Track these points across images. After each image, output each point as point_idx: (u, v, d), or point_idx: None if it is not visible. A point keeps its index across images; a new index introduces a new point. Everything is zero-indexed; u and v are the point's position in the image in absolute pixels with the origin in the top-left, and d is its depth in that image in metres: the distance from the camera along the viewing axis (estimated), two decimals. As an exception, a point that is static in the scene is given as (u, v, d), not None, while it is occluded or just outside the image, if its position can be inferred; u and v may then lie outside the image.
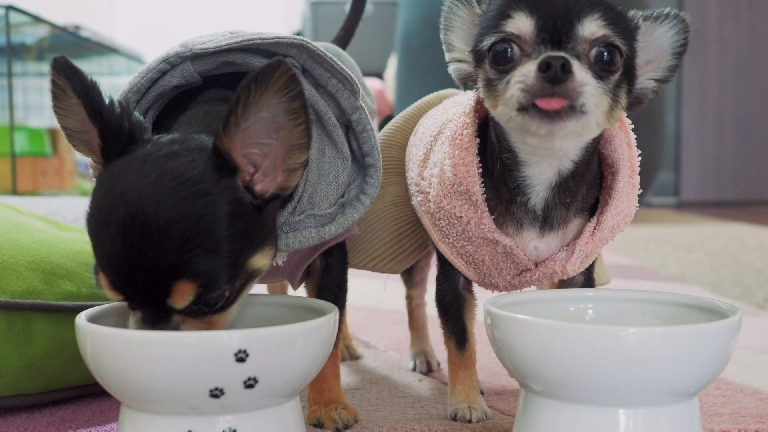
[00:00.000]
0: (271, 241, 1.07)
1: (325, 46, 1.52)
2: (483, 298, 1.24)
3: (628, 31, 1.13)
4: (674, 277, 2.97)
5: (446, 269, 1.37)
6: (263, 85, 0.95)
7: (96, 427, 1.29)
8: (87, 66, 5.31)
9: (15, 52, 4.40)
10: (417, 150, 1.37)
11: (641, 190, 1.28)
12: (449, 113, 1.35)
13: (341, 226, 1.23)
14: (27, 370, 1.37)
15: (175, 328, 0.99)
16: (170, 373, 0.94)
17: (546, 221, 1.24)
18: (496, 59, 1.11)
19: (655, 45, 1.18)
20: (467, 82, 1.26)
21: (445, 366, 1.48)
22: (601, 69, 1.09)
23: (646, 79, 1.19)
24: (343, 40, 1.83)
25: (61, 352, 1.39)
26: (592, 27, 1.08)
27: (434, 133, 1.35)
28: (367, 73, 7.36)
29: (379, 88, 7.75)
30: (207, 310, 1.00)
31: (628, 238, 4.21)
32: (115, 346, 0.96)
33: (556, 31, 1.07)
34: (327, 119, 1.22)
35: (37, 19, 4.16)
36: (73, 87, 0.99)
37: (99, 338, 0.97)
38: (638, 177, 1.26)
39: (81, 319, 1.02)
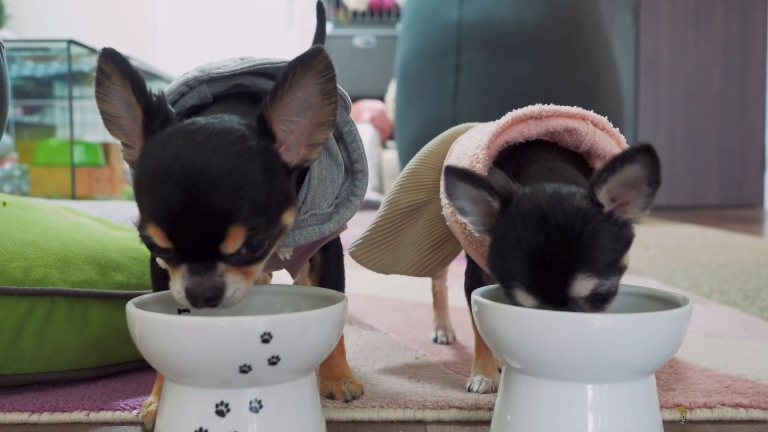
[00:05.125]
0: (295, 205, 1.06)
1: None
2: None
3: (618, 256, 1.01)
4: (633, 271, 2.96)
5: (473, 266, 1.38)
6: (306, 67, 0.97)
7: (142, 397, 1.29)
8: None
9: (74, 78, 4.42)
10: None
11: None
12: (474, 141, 1.34)
13: (337, 223, 1.23)
14: (84, 348, 1.37)
15: (221, 276, 0.96)
16: (206, 351, 0.94)
17: None
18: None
19: (626, 186, 1.00)
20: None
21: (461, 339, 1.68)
22: (600, 303, 1.01)
23: (635, 213, 1.03)
24: None
25: (113, 333, 1.40)
26: (580, 289, 0.98)
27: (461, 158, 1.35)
28: (371, 96, 7.34)
29: (382, 109, 7.76)
30: (250, 256, 0.98)
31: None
32: (160, 329, 0.96)
33: (555, 301, 0.99)
34: None
35: (93, 51, 4.18)
36: (120, 70, 0.97)
37: (146, 322, 0.97)
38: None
39: (131, 305, 1.02)
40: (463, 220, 1.11)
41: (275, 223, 1.00)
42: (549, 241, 0.98)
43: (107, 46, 0.98)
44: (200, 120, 1.00)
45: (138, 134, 1.02)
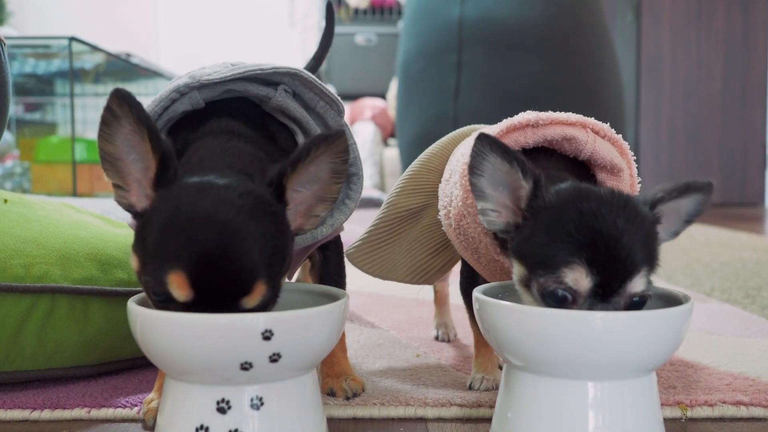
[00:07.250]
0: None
1: None
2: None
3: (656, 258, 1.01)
4: (633, 269, 2.95)
5: (468, 266, 1.37)
6: (328, 146, 0.98)
7: (143, 395, 1.29)
8: (136, 88, 5.34)
9: (76, 76, 4.42)
10: (446, 173, 1.35)
11: None
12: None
13: (331, 227, 1.24)
14: (85, 345, 1.37)
15: None
16: (207, 349, 0.93)
17: None
18: (547, 296, 0.99)
19: (673, 211, 1.05)
20: (497, 234, 1.11)
21: (462, 337, 1.72)
22: (633, 308, 0.99)
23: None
24: (313, 67, 1.74)
25: (114, 330, 1.40)
26: (637, 284, 0.97)
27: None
28: (372, 94, 7.33)
29: (383, 107, 7.76)
30: (261, 307, 0.97)
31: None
32: (161, 326, 0.96)
33: (609, 289, 0.96)
34: None
35: (94, 48, 4.17)
36: (136, 116, 0.95)
37: (147, 319, 0.97)
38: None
39: (132, 302, 1.02)
40: (477, 205, 1.06)
41: (284, 274, 1.02)
42: (629, 227, 0.97)
43: (118, 90, 0.94)
44: (218, 179, 0.99)
45: (135, 178, 1.00)
